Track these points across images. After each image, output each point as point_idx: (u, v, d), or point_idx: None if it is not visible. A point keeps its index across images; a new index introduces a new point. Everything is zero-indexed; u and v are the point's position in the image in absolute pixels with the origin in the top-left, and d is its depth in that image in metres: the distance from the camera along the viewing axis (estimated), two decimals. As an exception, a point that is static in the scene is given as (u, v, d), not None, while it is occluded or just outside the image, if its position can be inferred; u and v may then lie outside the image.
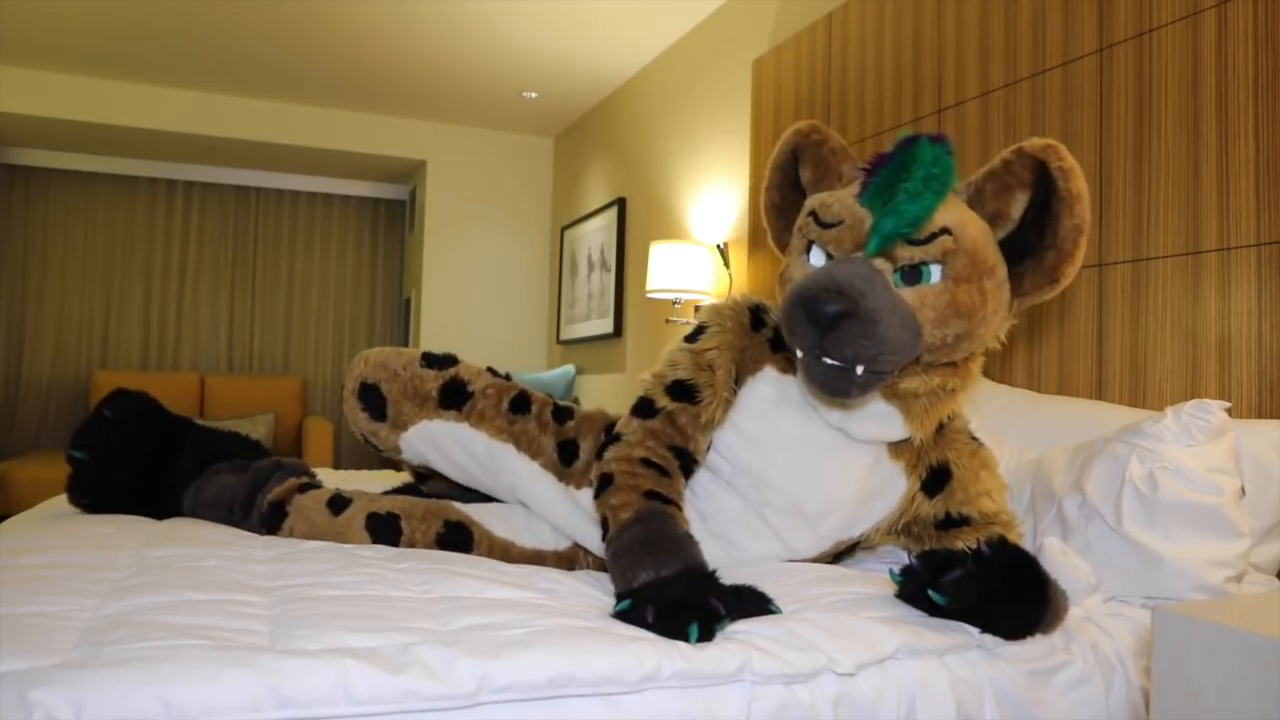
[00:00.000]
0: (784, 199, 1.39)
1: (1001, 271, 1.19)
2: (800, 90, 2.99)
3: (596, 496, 1.30)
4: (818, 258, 1.23)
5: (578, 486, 1.43)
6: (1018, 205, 1.19)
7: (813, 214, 1.23)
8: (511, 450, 1.45)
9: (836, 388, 1.15)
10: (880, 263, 1.15)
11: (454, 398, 1.47)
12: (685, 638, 0.98)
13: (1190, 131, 1.74)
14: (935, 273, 1.15)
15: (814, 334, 1.11)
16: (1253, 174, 1.63)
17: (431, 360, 1.51)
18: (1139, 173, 1.84)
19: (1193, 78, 1.74)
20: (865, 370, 1.13)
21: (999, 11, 2.20)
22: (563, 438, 1.46)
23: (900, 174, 1.14)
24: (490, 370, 1.54)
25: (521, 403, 1.48)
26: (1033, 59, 2.09)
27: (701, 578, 1.10)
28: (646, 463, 1.29)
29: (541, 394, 1.53)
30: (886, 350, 1.11)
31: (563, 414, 1.50)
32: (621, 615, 1.06)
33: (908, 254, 1.14)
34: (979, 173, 1.22)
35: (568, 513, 1.44)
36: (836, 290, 1.10)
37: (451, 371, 1.50)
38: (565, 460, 1.45)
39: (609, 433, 1.39)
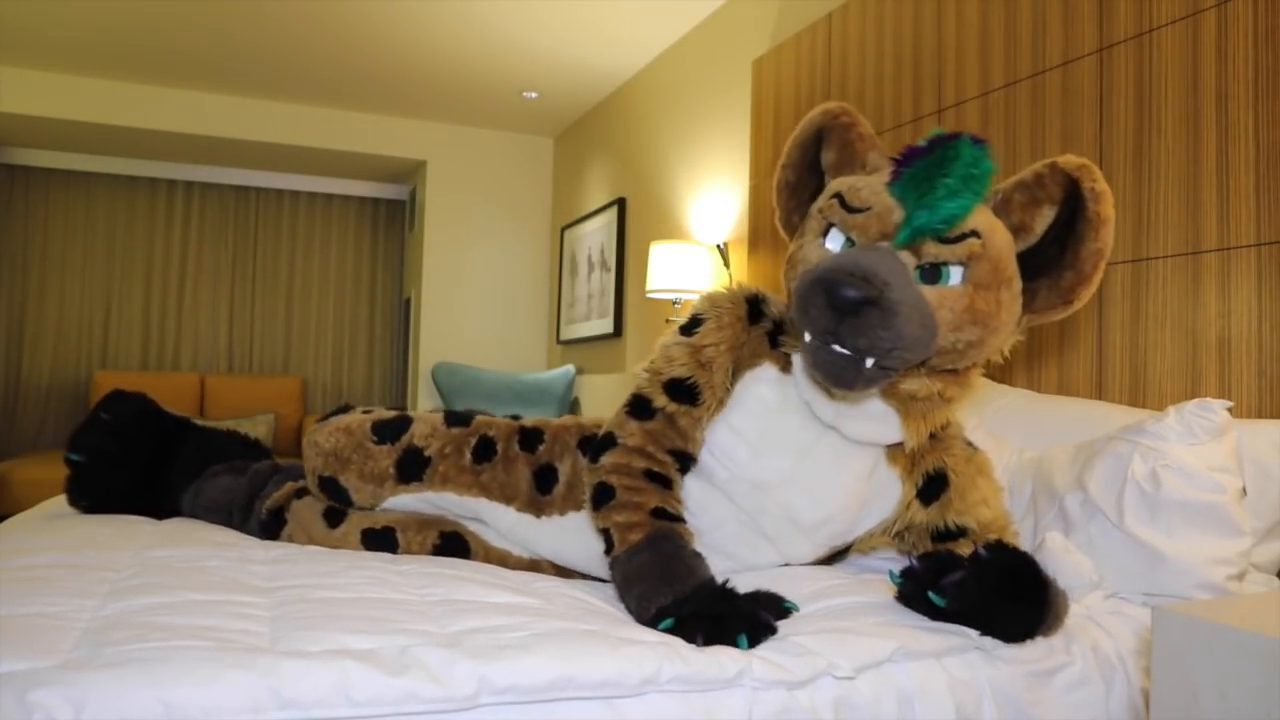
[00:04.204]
0: (799, 179, 1.31)
1: (1018, 284, 1.16)
2: (800, 90, 2.98)
3: (595, 508, 1.25)
4: (835, 242, 1.18)
5: (561, 513, 1.39)
6: (1043, 220, 1.16)
7: (838, 196, 1.18)
8: (484, 502, 1.41)
9: (842, 377, 1.09)
10: (905, 256, 1.11)
11: (412, 469, 1.41)
12: (735, 644, 1.01)
13: (1190, 131, 1.74)
14: (955, 274, 1.11)
15: (831, 318, 1.05)
16: (1253, 174, 1.63)
17: (382, 430, 1.44)
18: (1139, 173, 1.84)
19: (1193, 78, 1.74)
20: (875, 364, 1.08)
21: (999, 11, 2.20)
22: (536, 465, 1.41)
23: (940, 168, 1.09)
24: (447, 416, 1.47)
25: (485, 449, 1.41)
26: (1033, 59, 2.09)
27: (722, 593, 1.10)
28: (649, 474, 1.24)
29: (505, 420, 1.46)
30: (902, 346, 1.07)
31: (532, 438, 1.44)
32: (666, 632, 1.05)
33: (934, 251, 1.10)
34: (1009, 182, 1.19)
35: (553, 541, 1.41)
36: (861, 276, 1.04)
37: (404, 441, 1.42)
38: (542, 489, 1.40)
39: (588, 442, 1.36)
